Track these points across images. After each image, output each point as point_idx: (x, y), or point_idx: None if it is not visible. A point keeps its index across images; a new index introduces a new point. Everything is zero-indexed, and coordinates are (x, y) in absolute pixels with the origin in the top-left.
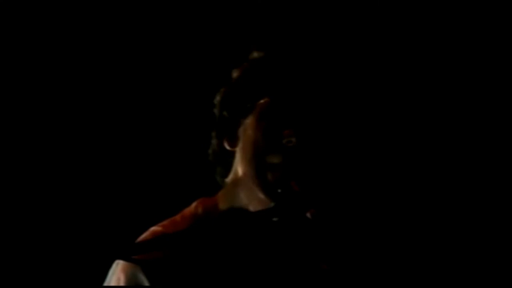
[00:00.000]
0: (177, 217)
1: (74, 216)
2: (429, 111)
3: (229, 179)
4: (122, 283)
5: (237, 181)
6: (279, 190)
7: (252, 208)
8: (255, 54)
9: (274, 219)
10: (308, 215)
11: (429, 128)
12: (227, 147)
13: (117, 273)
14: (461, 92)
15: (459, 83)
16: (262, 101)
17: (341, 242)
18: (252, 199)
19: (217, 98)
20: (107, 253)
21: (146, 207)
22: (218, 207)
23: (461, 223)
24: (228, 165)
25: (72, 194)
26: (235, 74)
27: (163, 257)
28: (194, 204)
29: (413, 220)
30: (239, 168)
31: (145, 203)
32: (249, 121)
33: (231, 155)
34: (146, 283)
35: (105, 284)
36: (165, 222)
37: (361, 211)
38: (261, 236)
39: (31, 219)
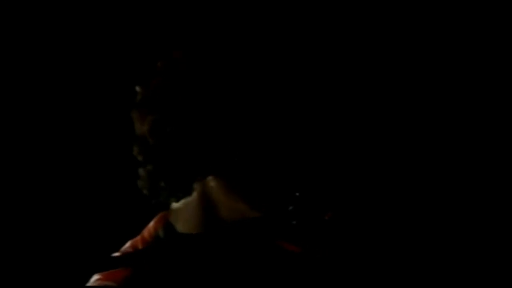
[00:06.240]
0: (138, 239)
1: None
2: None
3: (184, 203)
4: None
5: (204, 202)
6: (297, 194)
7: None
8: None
9: (293, 222)
10: (326, 217)
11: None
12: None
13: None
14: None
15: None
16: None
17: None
18: (233, 214)
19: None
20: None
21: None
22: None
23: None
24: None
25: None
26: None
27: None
28: (152, 224)
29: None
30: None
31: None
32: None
33: None
34: None
35: None
36: (127, 245)
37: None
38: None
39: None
